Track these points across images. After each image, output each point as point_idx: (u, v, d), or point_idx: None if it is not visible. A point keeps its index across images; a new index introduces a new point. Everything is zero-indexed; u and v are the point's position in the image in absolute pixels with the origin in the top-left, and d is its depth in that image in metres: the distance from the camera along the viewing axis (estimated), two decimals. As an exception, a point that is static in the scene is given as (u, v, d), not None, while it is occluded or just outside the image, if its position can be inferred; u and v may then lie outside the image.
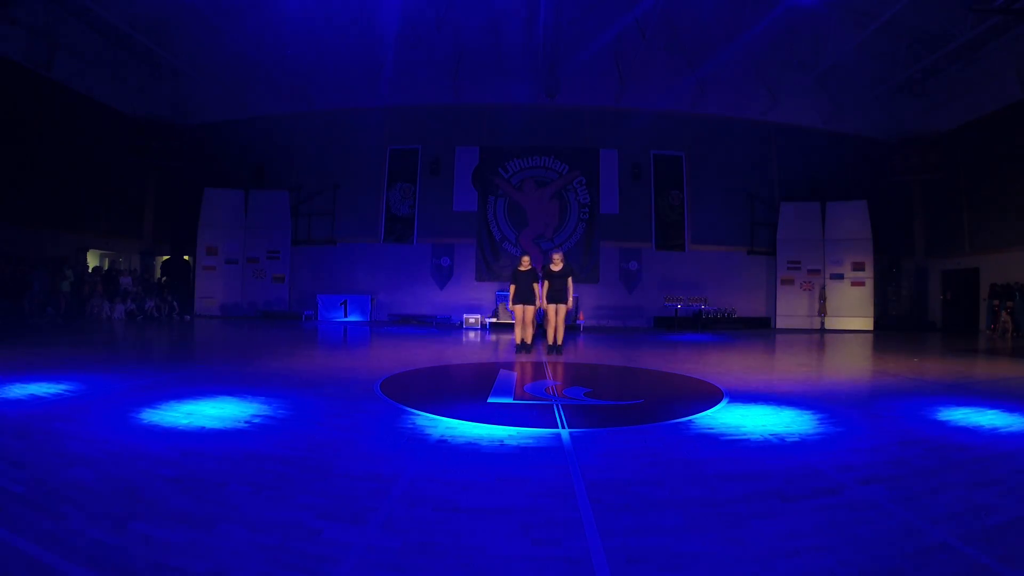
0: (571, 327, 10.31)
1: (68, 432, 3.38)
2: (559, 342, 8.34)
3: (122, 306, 13.77)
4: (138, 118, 16.19)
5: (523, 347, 8.37)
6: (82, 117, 14.68)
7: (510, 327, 11.19)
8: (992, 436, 3.69)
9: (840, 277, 15.89)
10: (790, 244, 16.22)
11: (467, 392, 5.40)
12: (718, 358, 8.28)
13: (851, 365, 8.31)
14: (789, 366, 7.85)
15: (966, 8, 11.75)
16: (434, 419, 3.95)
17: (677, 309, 15.75)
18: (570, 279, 8.36)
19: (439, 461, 3.03)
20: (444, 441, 3.41)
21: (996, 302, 13.92)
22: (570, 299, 8.40)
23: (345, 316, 15.84)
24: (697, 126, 16.77)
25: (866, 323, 15.54)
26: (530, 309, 8.42)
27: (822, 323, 15.82)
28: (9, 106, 12.71)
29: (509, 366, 7.00)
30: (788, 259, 16.21)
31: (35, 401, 4.21)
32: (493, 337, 11.91)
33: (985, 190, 14.96)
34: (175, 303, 14.73)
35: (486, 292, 15.97)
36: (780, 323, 16.13)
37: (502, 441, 3.43)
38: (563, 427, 3.76)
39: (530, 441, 3.44)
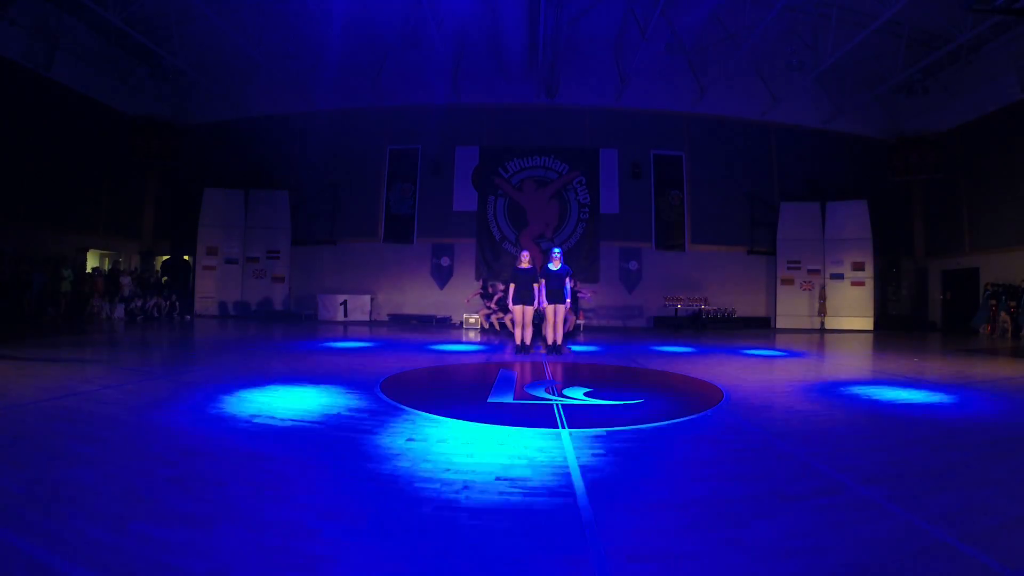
0: (570, 329, 10.31)
1: (68, 432, 3.37)
2: (559, 342, 8.34)
3: (122, 306, 13.76)
4: (138, 118, 16.21)
5: (523, 348, 8.37)
6: (82, 117, 14.69)
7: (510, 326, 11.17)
8: (992, 436, 3.69)
9: (840, 277, 15.89)
10: (790, 244, 16.22)
11: (467, 392, 5.40)
12: (718, 358, 8.28)
13: (850, 365, 8.30)
14: (788, 366, 7.84)
15: (966, 8, 11.74)
16: (434, 419, 3.95)
17: (677, 309, 15.75)
18: (568, 280, 8.36)
19: (439, 461, 3.03)
20: (444, 441, 3.41)
21: (993, 302, 13.90)
22: (568, 299, 8.40)
23: (345, 316, 15.83)
24: (697, 126, 16.77)
25: (866, 323, 15.54)
26: (529, 310, 8.41)
27: (822, 323, 15.83)
28: (9, 106, 12.72)
29: (509, 366, 7.00)
30: (788, 259, 16.22)
31: (35, 399, 4.20)
32: (492, 336, 11.90)
33: (985, 190, 14.96)
34: (175, 303, 14.73)
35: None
36: (780, 323, 16.13)
37: (502, 441, 3.43)
38: (563, 427, 3.76)
39: (530, 441, 3.44)
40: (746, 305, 16.45)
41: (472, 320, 14.48)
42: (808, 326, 15.88)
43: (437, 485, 2.62)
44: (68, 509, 2.22)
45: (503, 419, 3.98)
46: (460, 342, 10.56)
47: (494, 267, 16.19)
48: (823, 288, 15.94)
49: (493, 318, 13.08)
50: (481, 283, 14.51)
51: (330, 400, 4.60)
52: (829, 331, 15.21)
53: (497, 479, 2.72)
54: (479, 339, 11.05)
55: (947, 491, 2.61)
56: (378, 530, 2.13)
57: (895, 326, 15.98)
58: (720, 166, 16.74)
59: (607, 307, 16.31)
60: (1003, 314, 13.55)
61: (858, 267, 15.75)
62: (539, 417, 4.07)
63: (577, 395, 4.96)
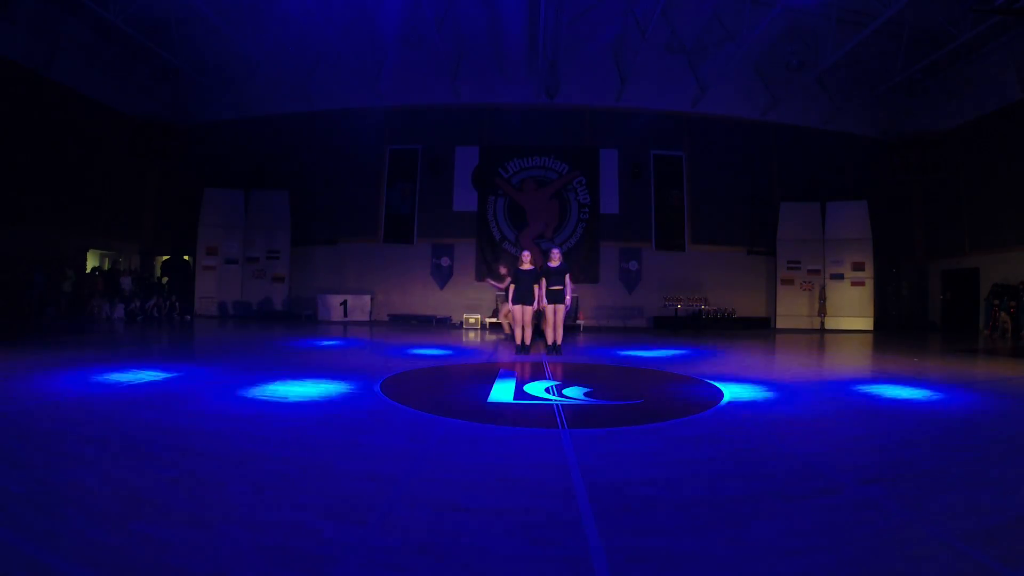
0: (571, 327, 10.21)
1: (68, 432, 3.37)
2: (558, 342, 8.33)
3: (122, 306, 13.76)
4: (138, 118, 16.19)
5: (522, 348, 8.37)
6: (82, 117, 14.67)
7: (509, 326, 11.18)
8: (993, 437, 3.69)
9: (840, 277, 15.88)
10: (790, 244, 16.21)
11: (467, 392, 5.40)
12: (718, 358, 8.28)
13: (851, 365, 8.31)
14: (789, 366, 7.85)
15: (966, 8, 11.74)
16: (434, 419, 3.95)
17: (677, 309, 15.74)
18: (568, 277, 8.36)
19: (439, 461, 3.03)
20: (444, 441, 3.41)
21: (996, 302, 13.89)
22: (568, 297, 8.39)
23: (345, 316, 15.83)
24: (697, 126, 16.76)
25: (866, 323, 15.53)
26: (529, 310, 8.41)
27: (822, 323, 15.82)
28: (9, 106, 12.71)
29: (509, 366, 7.00)
30: (788, 259, 16.21)
31: (35, 400, 4.20)
32: (493, 337, 11.91)
33: (985, 190, 14.95)
34: (175, 303, 14.72)
35: (486, 292, 15.95)
36: (780, 323, 16.13)
37: (502, 441, 3.43)
38: (563, 427, 3.76)
39: (530, 441, 3.44)
40: (746, 305, 16.44)
41: (472, 320, 14.48)
42: (808, 326, 15.88)
43: (437, 485, 2.62)
44: (68, 509, 2.22)
45: (503, 419, 3.98)
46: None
47: (494, 267, 16.17)
48: (823, 288, 15.93)
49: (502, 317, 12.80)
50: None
51: (330, 400, 4.60)
52: (829, 331, 15.21)
53: (497, 479, 2.72)
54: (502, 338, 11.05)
55: (947, 491, 2.61)
56: (378, 530, 2.13)
57: (895, 326, 15.98)
58: (720, 166, 16.73)
59: (607, 307, 16.31)
60: (1003, 314, 13.55)
61: (858, 267, 15.75)
62: (539, 417, 4.07)
63: (577, 395, 4.96)
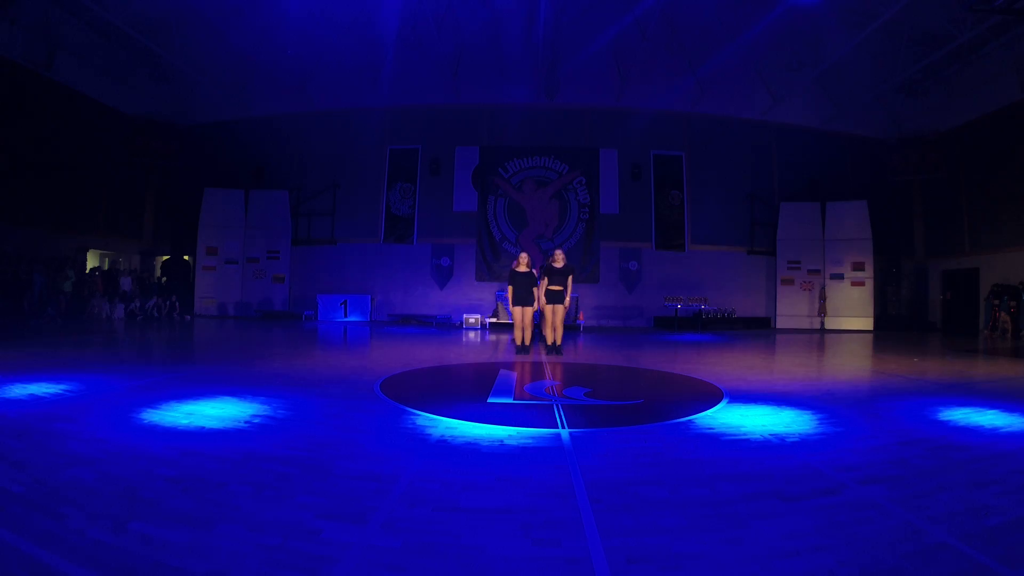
0: (571, 327, 10.20)
1: (68, 432, 3.37)
2: (558, 343, 8.33)
3: (122, 306, 13.76)
4: (138, 118, 16.19)
5: (522, 348, 8.37)
6: (82, 117, 14.68)
7: (510, 327, 11.18)
8: (992, 436, 3.68)
9: (840, 277, 15.89)
10: (790, 244, 16.22)
11: (467, 392, 5.40)
12: (718, 358, 8.28)
13: (850, 365, 8.30)
14: (788, 366, 7.84)
15: (966, 8, 11.74)
16: (434, 419, 3.94)
17: (677, 309, 15.75)
18: (570, 278, 8.36)
19: (439, 461, 3.02)
20: (444, 441, 3.41)
21: (996, 302, 13.89)
22: (567, 298, 8.38)
23: (345, 316, 15.83)
24: (697, 126, 16.77)
25: (866, 323, 15.54)
26: (528, 311, 8.42)
27: (822, 323, 15.82)
28: (9, 106, 12.71)
29: (509, 366, 6.99)
30: (788, 259, 16.21)
31: (35, 401, 4.20)
32: (493, 337, 11.91)
33: (985, 190, 14.96)
34: (175, 303, 14.72)
35: (486, 292, 15.98)
36: (780, 323, 16.13)
37: (502, 441, 3.43)
38: (563, 427, 3.76)
39: (530, 441, 3.44)
40: (746, 305, 16.44)
41: (472, 320, 14.48)
42: (808, 326, 15.88)
43: (437, 485, 2.62)
44: (68, 509, 2.22)
45: (503, 419, 3.97)
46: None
47: (494, 267, 16.19)
48: (823, 288, 15.94)
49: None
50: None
51: (329, 400, 4.60)
52: (829, 331, 15.20)
53: (497, 479, 2.71)
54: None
55: (947, 491, 2.61)
56: (378, 530, 2.12)
57: (895, 326, 15.98)
58: (720, 166, 16.74)
59: (607, 307, 16.31)
60: (1003, 314, 13.55)
61: (858, 267, 15.75)
62: (539, 417, 4.07)
63: (577, 395, 4.96)
